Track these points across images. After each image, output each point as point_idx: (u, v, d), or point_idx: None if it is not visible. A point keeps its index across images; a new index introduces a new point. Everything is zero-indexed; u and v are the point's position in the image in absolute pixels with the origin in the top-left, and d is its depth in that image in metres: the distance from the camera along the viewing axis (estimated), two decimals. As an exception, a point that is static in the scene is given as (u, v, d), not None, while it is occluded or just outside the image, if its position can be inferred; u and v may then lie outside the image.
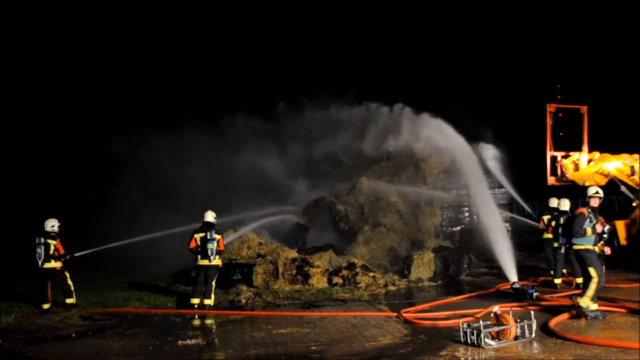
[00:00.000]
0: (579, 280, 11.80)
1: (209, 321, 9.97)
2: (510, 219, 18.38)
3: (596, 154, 16.37)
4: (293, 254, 14.09)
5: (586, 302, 8.45)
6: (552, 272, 12.34)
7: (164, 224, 15.18)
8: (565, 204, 12.38)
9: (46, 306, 10.86)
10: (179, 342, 8.09)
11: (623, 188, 14.98)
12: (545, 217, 13.31)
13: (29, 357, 7.48)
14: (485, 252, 13.33)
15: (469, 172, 14.12)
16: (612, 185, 15.48)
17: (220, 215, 11.72)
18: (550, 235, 12.70)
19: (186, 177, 20.54)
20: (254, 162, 19.38)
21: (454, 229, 18.27)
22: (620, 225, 14.81)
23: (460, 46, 35.11)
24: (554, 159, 16.86)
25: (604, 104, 29.12)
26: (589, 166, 16.19)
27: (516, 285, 11.03)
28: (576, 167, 16.58)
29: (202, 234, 10.99)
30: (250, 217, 16.27)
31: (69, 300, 11.11)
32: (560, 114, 17.86)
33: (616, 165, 15.38)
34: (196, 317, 10.29)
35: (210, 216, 11.21)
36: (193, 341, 8.14)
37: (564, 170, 16.61)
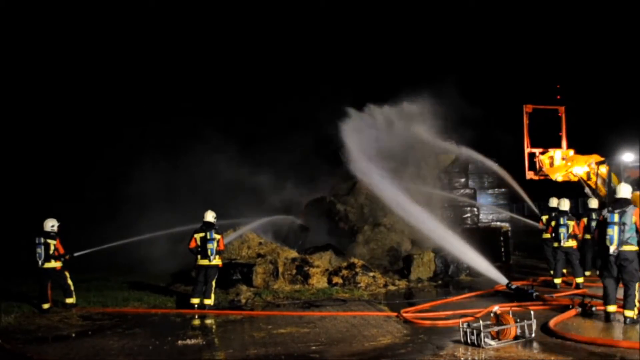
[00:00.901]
0: (579, 280, 11.84)
1: (208, 321, 9.97)
2: (510, 218, 18.41)
3: (570, 152, 17.80)
4: (293, 253, 14.09)
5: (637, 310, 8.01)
6: (552, 272, 12.34)
7: (165, 225, 15.18)
8: (565, 204, 12.40)
9: (46, 306, 10.86)
10: (179, 342, 8.09)
11: (587, 190, 16.22)
12: (544, 217, 13.34)
13: (29, 357, 7.47)
14: (485, 252, 13.30)
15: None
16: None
17: (220, 218, 11.71)
18: (548, 235, 12.73)
19: (186, 178, 20.56)
20: (253, 162, 19.41)
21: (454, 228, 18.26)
22: None
23: (465, 44, 35.04)
24: (532, 155, 18.43)
25: (596, 103, 29.41)
26: (562, 164, 17.55)
27: (511, 285, 10.99)
28: (552, 163, 17.99)
29: (202, 234, 10.99)
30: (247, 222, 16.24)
31: (69, 300, 11.12)
32: (560, 114, 18.59)
33: (585, 169, 16.69)
34: (196, 317, 10.29)
35: (210, 216, 11.21)
36: (193, 341, 8.14)
37: (541, 165, 18.07)
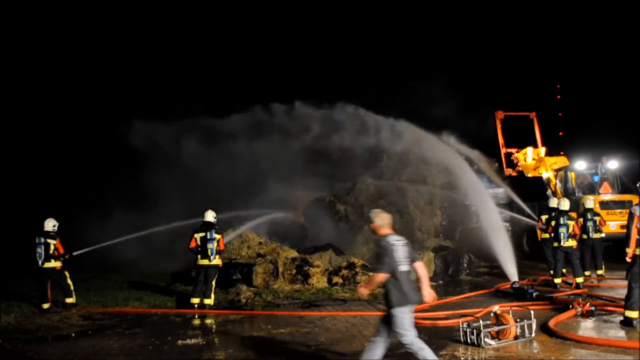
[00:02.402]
0: (579, 279, 11.84)
1: (208, 321, 9.97)
2: (510, 218, 18.40)
3: (542, 149, 19.83)
4: (293, 253, 14.08)
5: None
6: (551, 272, 12.34)
7: (164, 222, 15.16)
8: (565, 204, 12.42)
9: (46, 306, 10.86)
10: (179, 341, 8.09)
11: (549, 192, 17.43)
12: (544, 217, 13.34)
13: (29, 357, 7.48)
14: (485, 251, 13.33)
15: (463, 175, 14.47)
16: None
17: (219, 214, 11.70)
18: (547, 235, 12.73)
19: (185, 176, 20.50)
20: (252, 161, 19.35)
21: (454, 228, 18.32)
22: None
23: (465, 43, 34.92)
24: (508, 154, 20.78)
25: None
26: (532, 163, 19.41)
27: (516, 285, 11.03)
28: (525, 159, 20.02)
29: (202, 234, 10.99)
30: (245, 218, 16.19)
31: (69, 300, 11.13)
32: (560, 114, 19.43)
33: (550, 174, 18.18)
34: (196, 316, 10.29)
35: (210, 216, 11.20)
36: (193, 341, 8.15)
37: (517, 162, 20.16)
